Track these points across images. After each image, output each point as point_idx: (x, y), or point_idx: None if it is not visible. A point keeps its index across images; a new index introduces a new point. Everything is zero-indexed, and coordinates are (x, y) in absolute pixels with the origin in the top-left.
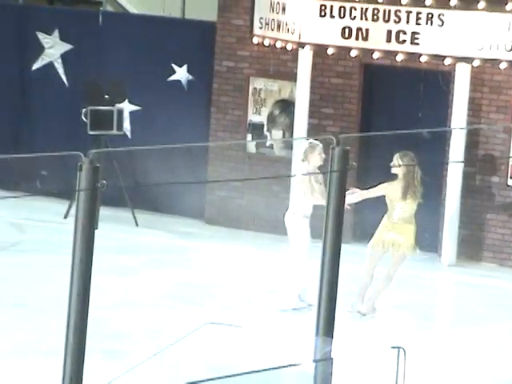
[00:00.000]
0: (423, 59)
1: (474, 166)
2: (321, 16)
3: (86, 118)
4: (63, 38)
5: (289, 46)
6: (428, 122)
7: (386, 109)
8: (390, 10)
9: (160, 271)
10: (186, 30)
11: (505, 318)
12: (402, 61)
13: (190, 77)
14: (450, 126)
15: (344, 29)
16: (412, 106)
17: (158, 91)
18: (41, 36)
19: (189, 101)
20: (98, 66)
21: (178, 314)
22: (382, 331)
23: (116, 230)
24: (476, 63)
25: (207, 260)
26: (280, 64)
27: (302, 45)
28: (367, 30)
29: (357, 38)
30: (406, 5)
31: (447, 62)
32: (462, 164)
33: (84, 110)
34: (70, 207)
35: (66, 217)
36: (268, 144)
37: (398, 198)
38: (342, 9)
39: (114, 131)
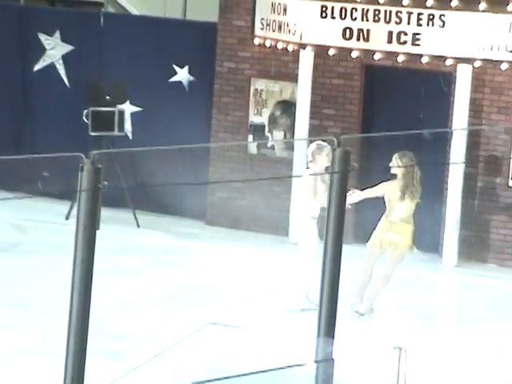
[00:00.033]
0: (424, 60)
1: (475, 166)
2: (322, 17)
3: (87, 119)
4: (64, 39)
5: (290, 47)
6: (429, 123)
7: (387, 110)
8: (391, 11)
9: (161, 272)
10: (187, 31)
11: (506, 318)
12: (403, 62)
13: (192, 78)
14: (451, 127)
15: (345, 30)
16: (413, 107)
17: (160, 92)
18: (42, 37)
19: (190, 102)
20: (100, 67)
21: (180, 315)
22: (383, 332)
23: (117, 230)
24: (477, 64)
25: (208, 261)
26: (281, 65)
27: (303, 46)
28: (368, 30)
29: (358, 39)
30: (407, 6)
31: (448, 62)
32: (463, 165)
33: (85, 111)
34: (71, 208)
35: (67, 218)
36: (269, 145)
37: (396, 198)
38: (343, 10)
39: (116, 132)
